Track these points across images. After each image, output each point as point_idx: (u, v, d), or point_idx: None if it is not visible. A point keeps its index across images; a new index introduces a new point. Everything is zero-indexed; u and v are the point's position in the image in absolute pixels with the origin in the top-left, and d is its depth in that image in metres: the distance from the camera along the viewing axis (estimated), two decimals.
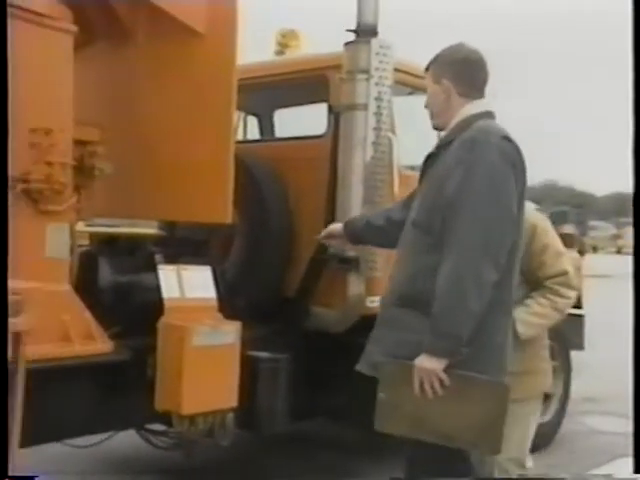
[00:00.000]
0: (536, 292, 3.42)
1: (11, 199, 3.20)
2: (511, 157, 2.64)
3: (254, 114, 5.60)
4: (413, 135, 4.54)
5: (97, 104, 3.94)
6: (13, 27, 3.16)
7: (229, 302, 3.89)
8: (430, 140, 4.54)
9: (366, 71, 4.04)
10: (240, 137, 5.32)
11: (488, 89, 4.41)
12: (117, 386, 3.56)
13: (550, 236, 3.51)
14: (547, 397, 5.58)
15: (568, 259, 3.55)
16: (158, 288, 3.62)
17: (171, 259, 3.96)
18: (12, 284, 2.72)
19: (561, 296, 3.43)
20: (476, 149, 2.61)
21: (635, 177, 2.84)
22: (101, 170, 3.71)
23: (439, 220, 2.64)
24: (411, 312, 2.69)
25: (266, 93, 5.07)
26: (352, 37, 4.12)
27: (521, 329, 3.28)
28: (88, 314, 3.49)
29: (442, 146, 2.80)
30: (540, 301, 3.40)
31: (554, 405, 5.69)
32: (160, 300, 3.59)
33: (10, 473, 2.66)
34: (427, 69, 2.94)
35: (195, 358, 3.49)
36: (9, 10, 3.11)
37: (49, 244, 3.40)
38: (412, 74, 4.37)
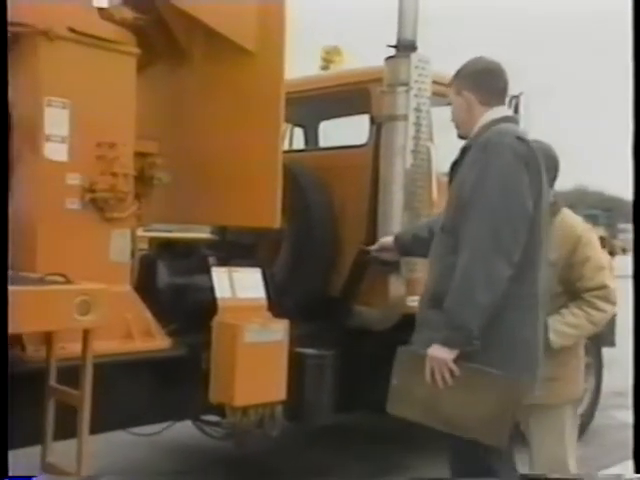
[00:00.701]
0: (572, 303, 3.28)
1: (80, 208, 3.31)
2: (524, 156, 2.60)
3: (300, 125, 5.63)
4: (450, 143, 4.54)
5: (156, 119, 4.01)
6: (83, 53, 3.28)
7: (278, 302, 3.92)
8: None
9: (406, 84, 4.05)
10: (286, 147, 5.35)
11: (523, 102, 4.40)
12: (174, 380, 3.60)
13: (594, 249, 3.34)
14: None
15: (609, 274, 3.42)
16: (212, 289, 3.66)
17: (223, 262, 4.00)
18: (80, 285, 2.80)
19: (597, 309, 3.26)
20: (489, 150, 2.60)
21: (635, 178, 2.75)
22: (159, 180, 3.77)
23: (459, 222, 2.64)
24: (439, 311, 2.65)
25: (311, 106, 5.09)
26: (392, 52, 4.14)
27: (553, 337, 3.16)
28: (148, 313, 3.56)
29: (464, 152, 2.79)
30: (575, 312, 3.26)
31: (586, 399, 5.62)
32: (214, 300, 3.63)
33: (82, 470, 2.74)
34: (450, 84, 2.95)
35: (246, 354, 3.53)
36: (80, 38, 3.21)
37: (113, 248, 3.47)
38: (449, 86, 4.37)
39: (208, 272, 3.74)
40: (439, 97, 4.34)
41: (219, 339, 3.59)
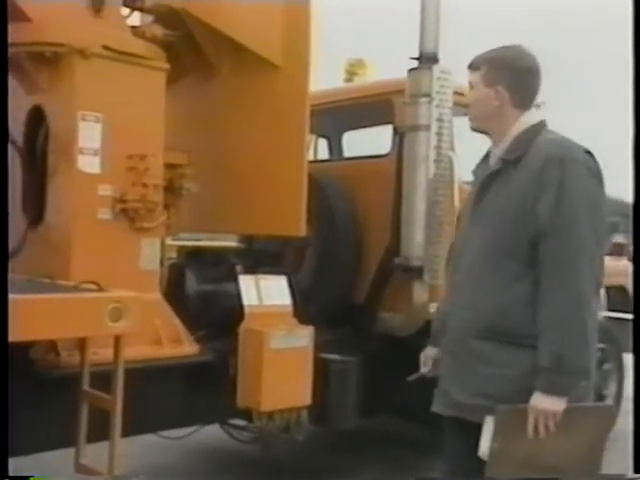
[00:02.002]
0: None
1: (111, 218, 3.35)
2: (596, 172, 2.34)
3: (324, 136, 5.64)
4: (472, 153, 4.53)
5: (185, 131, 4.04)
6: (116, 69, 3.34)
7: (303, 308, 3.94)
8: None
9: (428, 95, 4.06)
10: (311, 158, 5.36)
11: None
12: (202, 385, 3.62)
13: None
14: (601, 397, 5.47)
15: (626, 280, 3.36)
16: (239, 296, 3.68)
17: (250, 269, 4.02)
18: (112, 293, 2.83)
19: None
20: (566, 168, 2.26)
21: (635, 180, 2.68)
22: (188, 190, 3.79)
23: (526, 244, 2.31)
24: (501, 345, 2.34)
25: (336, 117, 5.11)
26: (415, 64, 4.15)
27: None
28: (177, 319, 3.59)
29: (509, 162, 2.40)
30: None
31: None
32: (240, 307, 3.65)
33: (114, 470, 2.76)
34: (476, 67, 2.51)
35: (272, 360, 3.55)
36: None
37: (143, 257, 3.50)
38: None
39: (235, 280, 3.77)
40: (461, 107, 4.37)
41: (246, 345, 3.61)
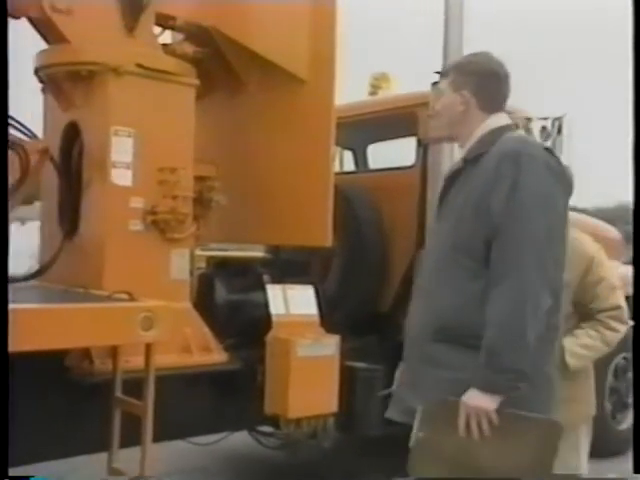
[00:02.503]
0: (586, 324, 3.11)
1: (142, 229, 3.40)
2: (557, 170, 2.25)
3: (349, 148, 5.67)
4: None
5: (214, 144, 4.08)
6: (147, 86, 3.40)
7: (329, 317, 3.94)
8: None
9: None
10: (337, 169, 5.38)
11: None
12: (231, 392, 3.65)
13: (606, 269, 3.20)
14: (625, 406, 5.41)
15: (622, 294, 3.32)
16: (266, 305, 3.71)
17: (277, 279, 4.04)
18: (143, 303, 2.87)
19: (612, 330, 3.11)
20: (522, 163, 2.18)
21: (635, 181, 2.60)
22: (217, 202, 3.81)
23: (481, 242, 2.23)
24: (455, 347, 2.25)
25: (361, 129, 5.13)
26: (439, 78, 4.16)
27: (570, 360, 3.01)
28: (206, 328, 3.61)
29: (470, 161, 2.35)
30: (590, 333, 3.11)
31: (631, 413, 5.49)
32: (268, 316, 3.68)
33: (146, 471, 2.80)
34: (444, 74, 2.53)
35: (300, 368, 3.57)
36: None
37: (173, 267, 3.53)
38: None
39: (263, 289, 3.80)
40: None
41: (273, 353, 3.63)
